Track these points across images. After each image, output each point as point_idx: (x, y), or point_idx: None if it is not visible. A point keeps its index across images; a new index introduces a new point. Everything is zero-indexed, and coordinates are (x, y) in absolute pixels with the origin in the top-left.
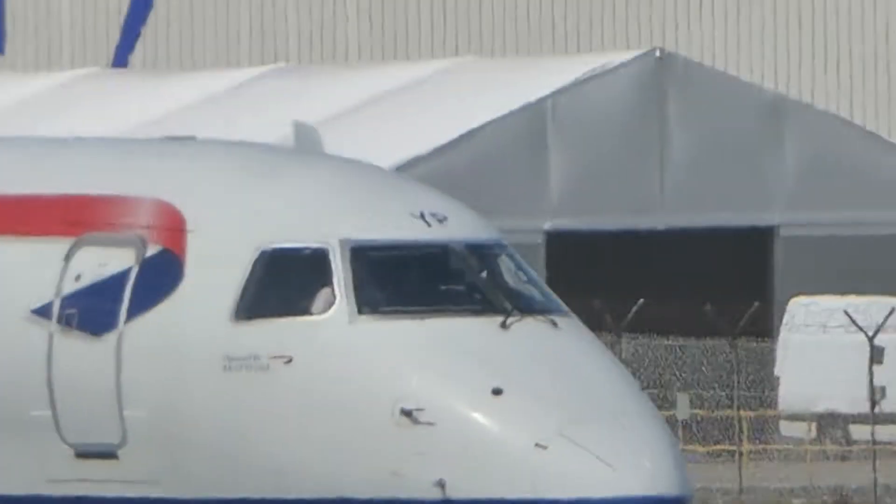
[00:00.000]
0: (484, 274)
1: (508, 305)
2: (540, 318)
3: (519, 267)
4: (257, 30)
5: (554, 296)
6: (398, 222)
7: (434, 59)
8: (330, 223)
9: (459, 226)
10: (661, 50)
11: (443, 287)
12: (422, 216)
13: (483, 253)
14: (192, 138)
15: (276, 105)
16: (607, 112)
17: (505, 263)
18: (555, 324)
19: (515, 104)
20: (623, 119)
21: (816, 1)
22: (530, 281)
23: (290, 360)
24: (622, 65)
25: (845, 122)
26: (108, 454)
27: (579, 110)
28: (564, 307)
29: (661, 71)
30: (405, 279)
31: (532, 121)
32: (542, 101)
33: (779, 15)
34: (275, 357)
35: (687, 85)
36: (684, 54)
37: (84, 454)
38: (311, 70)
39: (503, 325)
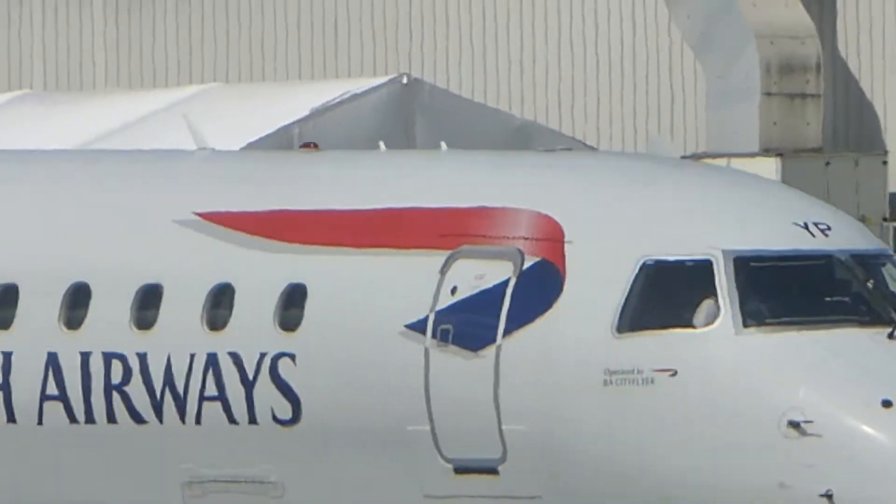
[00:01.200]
0: (870, 284)
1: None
2: None
3: None
4: (3, 56)
5: None
6: (781, 232)
7: (181, 87)
8: (713, 234)
9: (843, 235)
10: (408, 76)
11: (828, 298)
12: (805, 226)
13: (868, 262)
14: (568, 150)
15: (22, 130)
16: (354, 136)
17: (890, 273)
18: None
19: (264, 130)
20: (371, 144)
21: (561, 35)
22: None
23: (674, 374)
24: (370, 90)
25: (591, 148)
26: (488, 470)
27: (326, 135)
28: None
29: (407, 96)
30: (789, 290)
31: (280, 145)
32: (288, 127)
33: (525, 46)
34: (659, 370)
35: (433, 110)
36: (431, 81)
37: (463, 470)
38: (57, 97)
39: (891, 336)
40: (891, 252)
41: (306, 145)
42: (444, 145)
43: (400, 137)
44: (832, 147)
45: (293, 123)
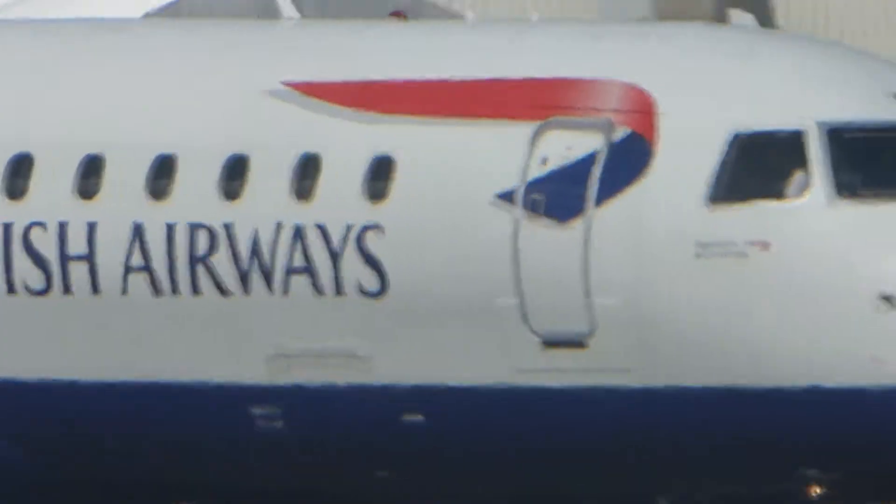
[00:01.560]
0: None
1: None
2: None
3: None
4: None
5: None
6: (875, 103)
7: None
8: (806, 104)
9: None
10: None
11: None
12: None
13: None
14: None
15: None
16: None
17: None
18: None
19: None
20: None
21: None
22: None
23: (767, 246)
24: None
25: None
26: (576, 343)
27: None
28: None
29: None
30: (883, 162)
31: (179, 14)
32: None
33: None
34: (752, 243)
35: None
36: None
37: (552, 343)
38: None
39: None
40: None
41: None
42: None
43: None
44: None
45: None
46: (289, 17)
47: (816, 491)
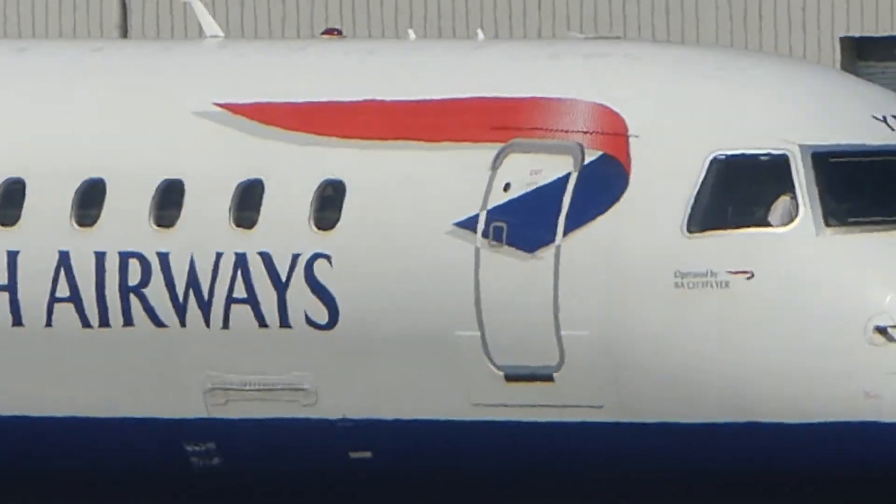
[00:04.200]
0: None
1: None
2: None
3: None
4: None
5: None
6: (860, 126)
7: None
8: (788, 127)
9: None
10: None
11: None
12: (884, 119)
13: None
14: (618, 38)
15: None
16: None
17: None
18: None
19: None
20: None
21: None
22: None
23: (751, 276)
24: None
25: None
26: (542, 377)
27: None
28: None
29: None
30: (871, 188)
31: None
32: None
33: None
34: (735, 272)
35: None
36: None
37: (515, 377)
38: None
39: None
40: None
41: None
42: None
43: None
44: None
45: None
46: (213, 35)
47: None
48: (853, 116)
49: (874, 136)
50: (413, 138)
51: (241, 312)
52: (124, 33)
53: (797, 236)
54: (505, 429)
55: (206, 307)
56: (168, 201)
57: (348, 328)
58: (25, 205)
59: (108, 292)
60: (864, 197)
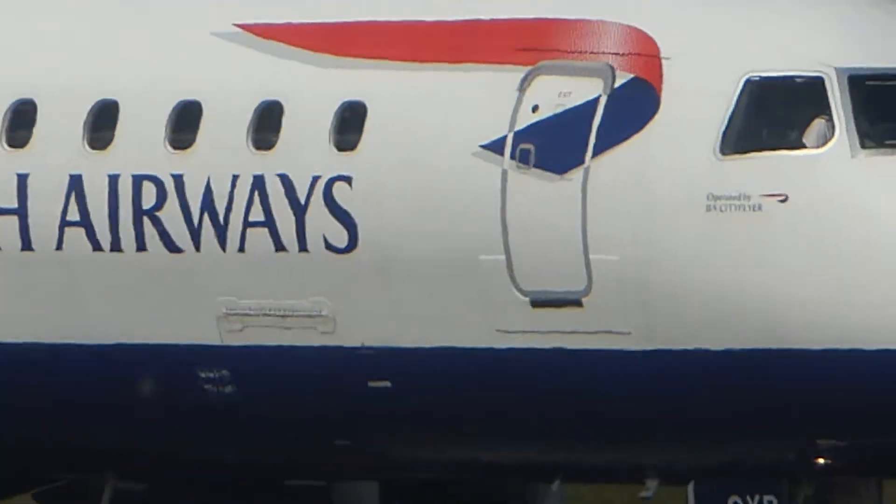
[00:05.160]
0: None
1: None
2: None
3: None
4: None
5: None
6: None
7: None
8: (825, 49)
9: None
10: None
11: None
12: None
13: None
14: None
15: None
16: None
17: None
18: None
19: None
20: None
21: None
22: None
23: (785, 199)
24: None
25: None
26: (570, 303)
27: None
28: None
29: None
30: None
31: None
32: None
33: None
34: (768, 195)
35: None
36: None
37: (541, 303)
38: None
39: None
40: None
41: None
42: None
43: None
44: None
45: None
46: None
47: (822, 462)
48: (890, 40)
49: None
50: (437, 60)
51: (258, 236)
52: None
53: (832, 158)
54: (530, 356)
55: (221, 231)
56: (184, 123)
57: (368, 252)
58: (36, 126)
59: (121, 216)
60: None
